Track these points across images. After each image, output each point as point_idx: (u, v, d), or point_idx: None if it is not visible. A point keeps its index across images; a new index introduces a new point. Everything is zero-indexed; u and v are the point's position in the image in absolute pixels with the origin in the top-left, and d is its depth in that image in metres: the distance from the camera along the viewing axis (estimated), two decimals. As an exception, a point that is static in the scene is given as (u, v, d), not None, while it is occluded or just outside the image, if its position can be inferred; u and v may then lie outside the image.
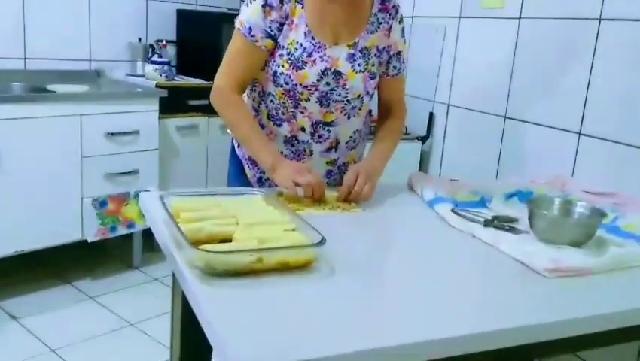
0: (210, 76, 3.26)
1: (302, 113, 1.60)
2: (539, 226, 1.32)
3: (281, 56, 1.54)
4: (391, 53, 1.65)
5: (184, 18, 3.50)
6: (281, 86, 1.56)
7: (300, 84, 1.55)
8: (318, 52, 1.54)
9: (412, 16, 2.78)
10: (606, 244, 1.31)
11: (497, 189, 1.66)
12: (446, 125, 2.68)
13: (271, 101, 1.61)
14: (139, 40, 3.36)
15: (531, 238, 1.32)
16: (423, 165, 2.79)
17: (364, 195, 1.48)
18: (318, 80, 1.55)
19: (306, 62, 1.54)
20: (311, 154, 1.65)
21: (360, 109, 1.66)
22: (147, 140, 2.92)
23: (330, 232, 1.12)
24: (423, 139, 2.76)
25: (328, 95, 1.58)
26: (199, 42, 3.41)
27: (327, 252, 1.12)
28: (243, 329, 0.87)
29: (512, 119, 2.33)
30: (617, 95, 1.91)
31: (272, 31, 1.53)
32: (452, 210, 1.46)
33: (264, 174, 1.70)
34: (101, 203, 2.80)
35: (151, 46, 3.34)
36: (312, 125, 1.62)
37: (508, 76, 2.33)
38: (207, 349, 1.55)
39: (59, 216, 2.69)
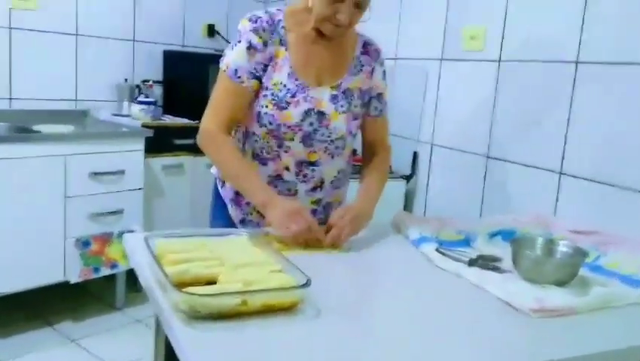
0: (196, 115, 3.28)
1: (286, 152, 1.61)
2: (523, 265, 1.33)
3: (265, 96, 1.56)
4: (372, 94, 1.69)
5: (171, 58, 3.54)
6: (265, 126, 1.58)
7: (284, 124, 1.57)
8: (302, 92, 1.57)
9: (395, 58, 2.84)
10: (589, 283, 1.33)
11: (481, 227, 1.68)
12: (430, 164, 2.71)
13: (255, 140, 1.62)
14: (126, 80, 3.38)
15: (515, 277, 1.33)
16: (408, 203, 2.80)
17: (344, 236, 1.47)
18: (301, 120, 1.57)
19: (290, 102, 1.56)
20: (296, 193, 1.66)
21: (343, 149, 1.67)
22: (132, 179, 2.91)
23: (315, 273, 1.12)
24: (407, 178, 2.79)
25: (312, 135, 1.60)
26: (185, 82, 3.44)
27: (312, 293, 1.11)
28: (228, 374, 0.86)
29: (494, 158, 2.36)
30: (596, 135, 1.95)
31: (257, 72, 1.55)
32: (437, 250, 1.47)
33: (248, 215, 1.70)
34: (84, 243, 2.77)
35: (138, 86, 3.36)
36: (296, 164, 1.63)
37: (489, 116, 2.37)
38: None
39: (42, 256, 2.65)
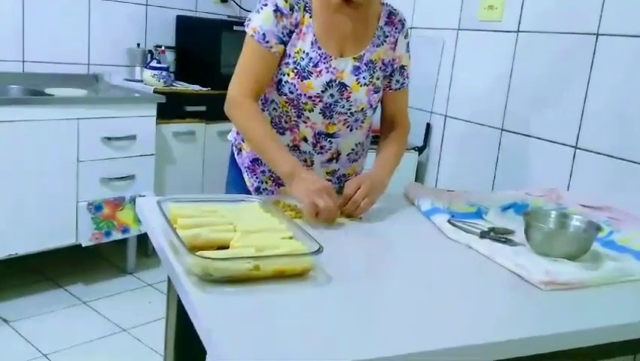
0: (208, 83, 3.28)
1: (305, 123, 1.60)
2: (535, 238, 1.32)
3: (287, 64, 1.54)
4: (395, 66, 1.65)
5: (184, 24, 3.51)
6: (286, 95, 1.56)
7: (305, 94, 1.55)
8: (324, 63, 1.54)
9: (410, 28, 2.79)
10: (601, 257, 1.32)
11: (493, 201, 1.67)
12: (442, 137, 2.69)
13: (274, 109, 1.61)
14: (138, 45, 3.36)
15: (526, 251, 1.33)
16: (419, 175, 2.79)
17: (360, 209, 1.45)
18: (322, 92, 1.55)
19: (312, 72, 1.54)
20: (312, 164, 1.65)
21: (362, 122, 1.66)
22: (144, 145, 2.92)
23: (326, 241, 1.12)
24: (420, 150, 2.77)
25: (332, 106, 1.58)
26: (198, 48, 3.42)
27: (324, 261, 1.12)
28: (240, 336, 0.87)
29: (509, 131, 2.34)
30: (614, 110, 1.92)
31: (284, 36, 1.53)
32: (449, 221, 1.47)
33: (263, 183, 1.70)
34: (96, 207, 2.79)
35: (150, 51, 3.34)
36: (315, 135, 1.61)
37: (505, 88, 2.34)
38: (201, 356, 1.55)
39: (54, 219, 2.68)
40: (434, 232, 1.45)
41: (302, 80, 1.54)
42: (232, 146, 1.78)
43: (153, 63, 3.21)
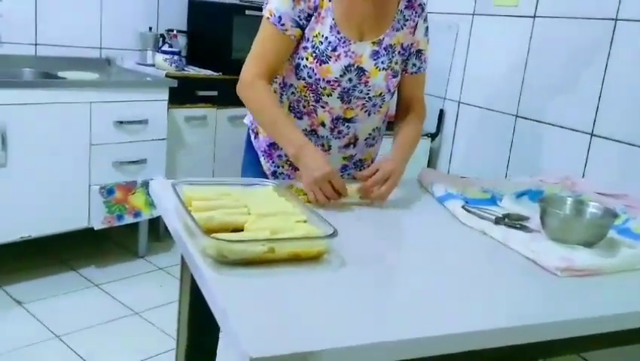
0: (220, 67, 3.26)
1: (323, 107, 1.59)
2: (551, 224, 1.31)
3: (305, 48, 1.53)
4: (412, 50, 1.63)
5: (196, 8, 3.50)
6: (304, 79, 1.55)
7: (323, 79, 1.54)
8: (343, 47, 1.53)
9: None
10: (618, 245, 1.31)
11: (507, 187, 1.66)
12: (456, 123, 2.67)
13: (292, 93, 1.60)
14: (150, 29, 3.35)
15: (542, 237, 1.32)
16: (432, 162, 2.78)
17: (378, 194, 1.44)
18: (341, 76, 1.54)
19: (330, 57, 1.52)
20: (329, 149, 1.65)
21: (380, 107, 1.65)
22: (155, 129, 2.92)
23: (340, 225, 1.12)
24: (433, 136, 2.76)
25: (350, 91, 1.57)
26: (209, 33, 3.40)
27: (337, 244, 1.12)
28: (256, 318, 0.87)
29: (523, 118, 2.32)
30: (631, 97, 1.90)
31: (301, 20, 1.52)
32: (463, 207, 1.46)
33: (279, 167, 1.70)
34: (108, 191, 2.80)
35: (162, 35, 3.33)
36: (332, 120, 1.61)
37: (521, 74, 2.32)
38: (213, 338, 1.56)
39: (66, 203, 2.69)
40: (448, 218, 1.45)
41: (320, 65, 1.53)
42: (248, 129, 1.78)
43: (165, 47, 3.20)
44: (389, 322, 0.91)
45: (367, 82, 1.57)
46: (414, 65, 1.65)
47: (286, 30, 1.51)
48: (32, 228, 2.61)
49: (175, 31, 3.38)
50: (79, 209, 2.74)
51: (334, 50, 1.53)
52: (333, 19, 1.52)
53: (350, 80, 1.55)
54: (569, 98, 2.11)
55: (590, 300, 1.10)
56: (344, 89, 1.56)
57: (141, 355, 2.26)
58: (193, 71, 3.25)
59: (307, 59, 1.53)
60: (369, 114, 1.63)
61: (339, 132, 1.63)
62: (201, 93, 3.14)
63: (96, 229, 2.81)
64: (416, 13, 1.61)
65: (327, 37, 1.52)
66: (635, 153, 1.88)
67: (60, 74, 2.80)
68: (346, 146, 1.66)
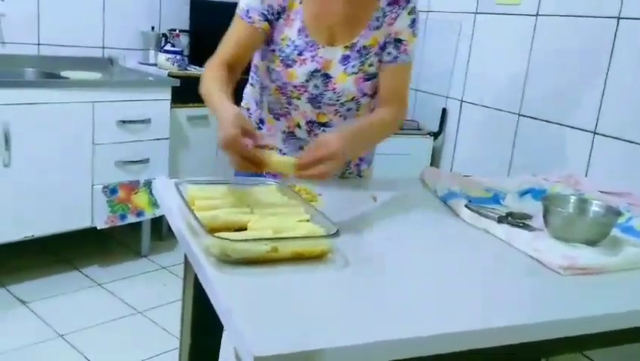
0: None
1: (295, 110, 1.57)
2: (554, 223, 1.31)
3: (273, 51, 1.51)
4: (389, 39, 1.52)
5: (198, 7, 3.50)
6: (274, 82, 1.54)
7: (290, 83, 1.52)
8: (310, 51, 1.49)
9: (427, 11, 2.77)
10: (621, 243, 1.31)
11: (510, 186, 1.65)
12: (458, 122, 2.67)
13: (269, 95, 1.59)
14: (152, 28, 3.36)
15: (545, 235, 1.32)
16: (435, 160, 2.78)
17: (312, 174, 1.22)
18: (306, 81, 1.51)
19: (296, 61, 1.50)
20: None
21: (357, 110, 1.58)
22: (158, 129, 2.92)
23: (343, 224, 1.12)
24: (435, 135, 2.75)
25: (318, 97, 1.53)
26: (212, 32, 3.36)
27: (341, 244, 1.12)
28: (259, 316, 0.87)
29: (526, 116, 2.32)
30: (634, 95, 1.89)
31: (269, 15, 1.48)
32: (466, 206, 1.46)
33: None
34: (111, 190, 2.81)
35: (164, 35, 3.34)
36: (307, 123, 1.58)
37: (524, 73, 2.31)
38: (217, 337, 1.56)
39: (70, 202, 2.70)
40: (450, 217, 1.45)
41: (286, 68, 1.50)
42: None
43: (168, 47, 3.21)
44: (393, 320, 0.91)
45: (335, 88, 1.52)
46: (389, 53, 1.52)
47: (253, 22, 1.47)
48: (35, 227, 2.62)
49: (177, 31, 3.38)
50: (82, 208, 2.74)
51: (300, 54, 1.49)
52: (302, 22, 1.49)
53: (316, 86, 1.52)
54: (572, 96, 2.11)
55: (593, 298, 1.10)
56: (312, 95, 1.53)
57: (144, 354, 2.27)
58: (195, 70, 3.25)
59: (274, 62, 1.51)
60: (345, 118, 1.58)
61: (316, 135, 1.59)
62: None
63: (99, 228, 2.81)
64: (400, 6, 1.51)
65: (294, 41, 1.49)
66: (639, 152, 1.87)
67: (63, 73, 2.81)
68: None
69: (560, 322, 0.99)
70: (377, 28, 1.51)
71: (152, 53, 3.31)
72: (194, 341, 1.45)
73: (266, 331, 0.83)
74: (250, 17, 1.48)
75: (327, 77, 1.50)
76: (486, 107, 2.51)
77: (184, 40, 3.44)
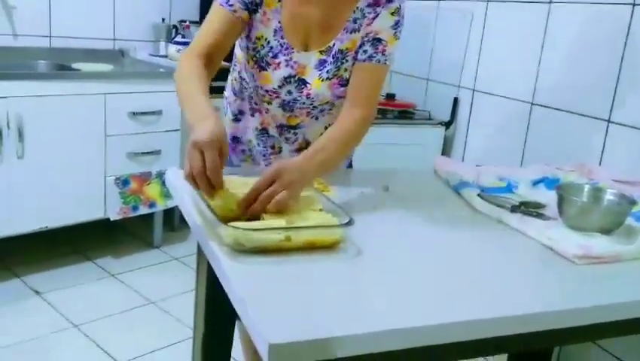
0: (232, 58, 3.25)
1: (266, 112, 1.53)
2: (568, 212, 1.30)
3: (247, 49, 1.45)
4: (367, 38, 1.42)
5: (208, -1, 3.49)
6: (251, 79, 1.49)
7: (262, 87, 1.47)
8: (285, 54, 1.43)
9: (438, 0, 2.75)
10: (636, 232, 1.30)
11: (523, 175, 1.65)
12: (470, 111, 2.66)
13: (244, 88, 1.55)
14: (163, 20, 3.36)
15: (559, 224, 1.31)
16: (446, 150, 2.77)
17: (275, 204, 1.10)
18: (279, 87, 1.46)
19: (270, 64, 1.44)
20: (280, 151, 1.59)
21: (331, 109, 1.52)
22: (169, 120, 2.93)
23: (356, 214, 1.12)
24: (447, 124, 2.74)
25: (291, 103, 1.48)
26: (222, 23, 3.39)
27: (354, 233, 1.12)
28: (273, 305, 0.87)
29: (539, 105, 2.30)
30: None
31: (250, 4, 1.40)
32: (479, 195, 1.45)
33: (243, 161, 1.65)
34: (123, 182, 2.82)
35: (175, 26, 3.34)
36: (277, 127, 1.55)
37: (536, 61, 2.29)
38: (230, 326, 1.57)
39: (83, 194, 2.71)
40: (463, 206, 1.44)
41: (260, 71, 1.45)
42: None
43: (178, 38, 3.21)
44: (406, 308, 0.91)
45: (309, 94, 1.46)
46: (365, 51, 1.42)
47: (235, 11, 1.39)
48: (49, 219, 2.64)
49: (187, 22, 3.38)
50: (95, 200, 2.76)
51: (275, 56, 1.43)
52: (279, 22, 1.42)
53: (289, 92, 1.46)
54: (586, 84, 2.09)
55: (608, 287, 1.09)
56: (284, 100, 1.48)
57: (158, 343, 2.28)
58: (205, 61, 3.25)
59: (249, 62, 1.46)
60: (317, 119, 1.53)
61: (287, 138, 1.56)
62: (214, 84, 3.13)
63: (111, 219, 2.83)
64: (381, 6, 1.40)
65: (269, 42, 1.43)
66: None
67: (74, 65, 2.82)
68: (298, 150, 1.56)
69: (574, 311, 0.98)
70: (355, 30, 1.42)
71: (163, 44, 3.31)
72: (208, 331, 1.46)
73: (280, 319, 0.83)
74: (231, 5, 1.40)
75: (302, 82, 1.45)
76: (499, 96, 2.49)
77: (194, 32, 3.43)
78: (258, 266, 0.99)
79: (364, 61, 1.42)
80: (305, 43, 1.44)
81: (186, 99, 1.25)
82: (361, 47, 1.42)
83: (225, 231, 1.02)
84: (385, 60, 1.42)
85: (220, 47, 1.40)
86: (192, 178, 1.06)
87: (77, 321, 2.38)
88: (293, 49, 1.42)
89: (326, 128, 1.54)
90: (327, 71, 1.43)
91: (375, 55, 1.41)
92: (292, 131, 1.54)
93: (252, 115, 1.56)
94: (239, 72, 1.55)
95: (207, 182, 1.06)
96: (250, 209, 1.11)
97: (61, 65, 2.85)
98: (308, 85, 1.45)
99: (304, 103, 1.48)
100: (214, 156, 1.05)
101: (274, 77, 1.44)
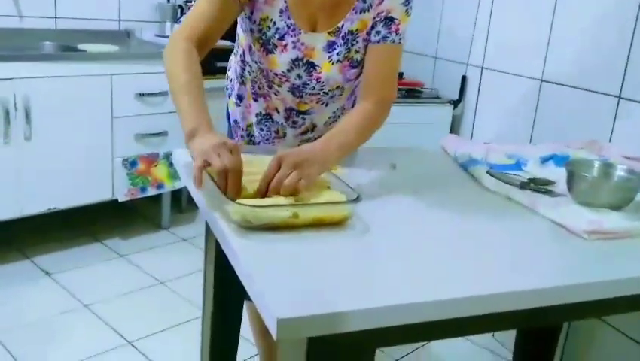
0: (234, 37, 3.24)
1: (275, 95, 1.49)
2: (578, 188, 1.29)
3: (252, 31, 1.40)
4: (379, 18, 1.37)
5: (213, -22, 3.46)
6: (256, 62, 1.45)
7: (270, 70, 1.42)
8: (292, 36, 1.37)
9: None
10: (646, 208, 1.29)
11: (532, 152, 1.63)
12: (479, 89, 2.63)
13: (248, 72, 1.51)
14: (168, 0, 3.33)
15: (568, 201, 1.30)
16: (454, 129, 2.75)
17: (287, 186, 1.07)
18: (288, 71, 1.41)
19: (277, 46, 1.38)
20: (284, 136, 1.56)
21: (341, 95, 1.49)
22: (176, 101, 2.91)
23: (363, 191, 1.12)
24: (455, 103, 2.72)
25: (301, 87, 1.44)
26: (227, 3, 3.36)
27: (361, 210, 1.11)
28: (281, 281, 0.87)
29: (548, 82, 2.27)
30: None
31: None
32: (487, 172, 1.44)
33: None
34: (131, 163, 2.82)
35: (180, 6, 3.32)
36: (286, 110, 1.51)
37: (546, 38, 2.26)
38: (239, 306, 1.58)
39: (91, 175, 2.72)
40: (472, 183, 1.44)
41: (267, 54, 1.40)
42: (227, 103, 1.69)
43: (183, 18, 3.18)
44: (413, 285, 0.91)
45: (319, 78, 1.41)
46: (378, 32, 1.37)
47: None
48: (58, 200, 2.65)
49: (192, 2, 3.36)
50: (103, 181, 2.77)
51: (281, 38, 1.37)
52: (285, 1, 1.35)
53: (299, 76, 1.42)
54: (596, 60, 2.06)
55: (618, 262, 1.08)
56: (293, 85, 1.43)
57: (167, 323, 2.30)
58: (211, 42, 3.23)
59: (254, 44, 1.40)
60: (326, 105, 1.50)
61: (294, 122, 1.52)
62: (220, 64, 3.12)
63: (120, 200, 2.84)
64: None
65: (275, 23, 1.36)
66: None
67: (80, 46, 2.81)
68: (303, 133, 1.55)
69: (584, 285, 0.98)
70: (364, 10, 1.37)
71: (168, 25, 3.29)
72: (216, 310, 1.47)
73: (288, 294, 0.83)
74: None
75: (311, 65, 1.40)
76: (508, 73, 2.46)
77: (199, 12, 3.41)
78: (266, 243, 0.99)
79: (378, 42, 1.38)
80: (312, 23, 1.38)
81: (179, 99, 1.24)
82: (373, 27, 1.38)
83: (233, 208, 1.01)
84: (400, 39, 1.38)
85: (212, 33, 1.35)
86: (200, 171, 1.06)
87: (86, 301, 2.40)
88: (300, 29, 1.38)
89: (334, 113, 1.53)
90: (338, 54, 1.39)
91: (389, 35, 1.37)
92: (301, 116, 1.52)
93: (255, 100, 1.54)
94: (241, 55, 1.52)
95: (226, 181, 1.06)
96: (270, 190, 1.09)
97: (67, 46, 2.84)
98: (317, 68, 1.41)
99: (314, 88, 1.44)
100: (235, 158, 1.07)
101: (281, 60, 1.40)
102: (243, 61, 1.51)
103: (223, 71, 3.14)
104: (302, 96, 1.47)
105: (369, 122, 1.35)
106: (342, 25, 1.38)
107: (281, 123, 1.54)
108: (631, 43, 1.93)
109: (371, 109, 1.36)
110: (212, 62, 3.09)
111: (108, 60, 2.68)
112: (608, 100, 2.01)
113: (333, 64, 1.40)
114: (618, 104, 1.98)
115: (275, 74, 1.42)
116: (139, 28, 3.26)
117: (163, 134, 2.90)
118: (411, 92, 2.76)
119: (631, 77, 1.94)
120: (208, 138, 1.12)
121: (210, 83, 3.12)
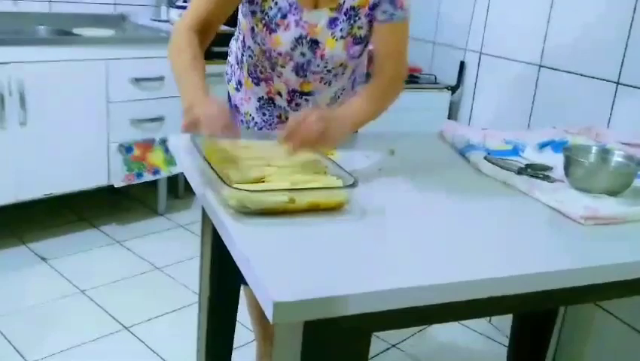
0: (235, 22, 3.22)
1: (278, 77, 1.49)
2: (575, 173, 1.29)
3: (254, 13, 1.40)
4: None
5: (209, -38, 3.42)
6: (259, 44, 1.45)
7: (274, 49, 1.42)
8: (294, 14, 1.38)
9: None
10: (643, 193, 1.29)
11: (530, 138, 1.63)
12: (477, 75, 2.62)
13: (250, 56, 1.51)
14: (164, -16, 3.30)
15: (566, 187, 1.30)
16: (452, 115, 2.74)
17: (312, 134, 1.13)
18: (292, 49, 1.41)
19: (279, 25, 1.39)
20: (287, 120, 1.52)
21: (343, 74, 1.51)
22: (172, 86, 2.85)
23: (360, 176, 1.12)
24: (453, 89, 2.71)
25: (305, 66, 1.45)
26: (224, -13, 3.33)
27: (358, 195, 1.11)
28: (278, 265, 0.87)
29: (547, 67, 2.26)
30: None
31: None
32: (485, 158, 1.44)
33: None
34: (127, 149, 2.81)
35: (176, -10, 3.28)
36: (289, 92, 1.51)
37: (545, 23, 2.24)
38: (235, 291, 1.58)
39: (87, 160, 2.71)
40: (469, 169, 1.43)
41: (270, 34, 1.40)
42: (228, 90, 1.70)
43: (180, 2, 3.16)
44: (409, 269, 0.91)
45: (323, 55, 1.42)
46: (384, 12, 1.38)
47: None
48: (54, 186, 2.64)
49: (188, -14, 3.33)
50: (99, 167, 2.76)
51: (284, 17, 1.38)
52: None
53: (303, 54, 1.42)
54: (594, 46, 2.05)
55: (614, 248, 1.08)
56: (297, 63, 1.44)
57: (164, 308, 2.31)
58: (208, 26, 3.21)
59: (257, 25, 1.40)
60: (329, 84, 1.51)
61: (297, 105, 1.53)
62: (216, 49, 3.09)
63: (116, 186, 2.83)
64: None
65: (277, 3, 1.37)
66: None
67: (75, 30, 2.79)
68: None
69: (581, 270, 0.98)
70: None
71: (164, 9, 3.26)
72: (213, 295, 1.47)
73: (284, 278, 0.83)
74: None
75: (315, 43, 1.41)
76: (506, 58, 2.45)
77: (196, -4, 3.38)
78: (263, 228, 0.99)
79: (385, 21, 1.39)
80: (314, 0, 1.39)
81: (181, 80, 1.29)
82: (378, 6, 1.38)
83: (229, 193, 1.01)
84: (406, 15, 1.40)
85: (216, 17, 1.37)
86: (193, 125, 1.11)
87: (83, 287, 2.40)
88: (302, 8, 1.38)
89: (335, 93, 1.54)
90: (341, 30, 1.40)
91: (395, 13, 1.39)
92: (304, 97, 1.52)
93: (257, 84, 1.53)
94: (242, 40, 1.52)
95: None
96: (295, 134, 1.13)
97: (61, 30, 2.82)
98: (320, 45, 1.41)
99: (318, 65, 1.45)
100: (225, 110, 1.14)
101: (284, 38, 1.40)
102: (244, 46, 1.51)
103: (220, 55, 3.13)
104: (306, 75, 1.47)
105: (382, 100, 1.41)
106: (344, 1, 1.38)
107: (284, 107, 1.54)
108: (629, 29, 1.92)
109: (385, 85, 1.42)
110: (210, 48, 3.06)
111: (103, 44, 2.65)
112: (606, 85, 2.00)
113: (337, 40, 1.41)
114: (616, 89, 1.98)
115: (279, 54, 1.42)
116: (135, 12, 3.23)
117: (159, 119, 2.89)
118: (409, 78, 2.73)
119: (629, 63, 1.93)
120: (206, 105, 1.17)
121: (207, 67, 3.10)
